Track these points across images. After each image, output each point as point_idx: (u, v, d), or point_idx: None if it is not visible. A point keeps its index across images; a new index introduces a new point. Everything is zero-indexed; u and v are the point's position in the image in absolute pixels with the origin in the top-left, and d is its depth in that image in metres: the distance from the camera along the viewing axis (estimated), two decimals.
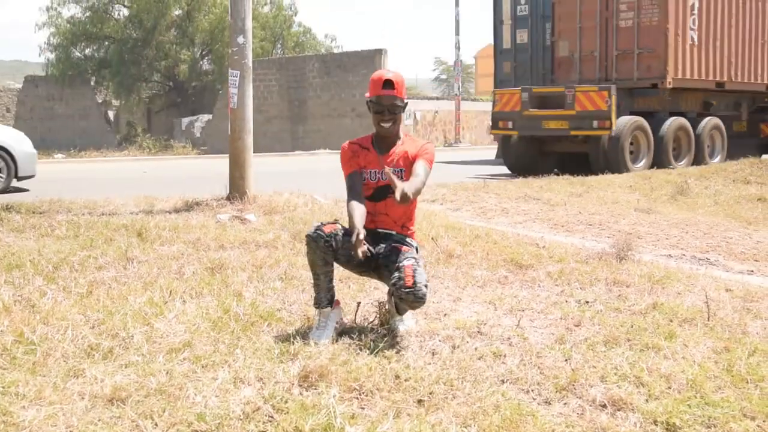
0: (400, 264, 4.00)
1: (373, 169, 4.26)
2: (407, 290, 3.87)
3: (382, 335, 4.03)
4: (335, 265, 4.20)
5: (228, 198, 9.12)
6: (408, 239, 4.28)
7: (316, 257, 4.06)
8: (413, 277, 3.89)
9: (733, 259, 6.73)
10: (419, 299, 3.89)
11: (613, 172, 14.02)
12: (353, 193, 4.20)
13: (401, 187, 3.85)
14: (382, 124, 4.23)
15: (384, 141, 4.31)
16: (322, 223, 4.11)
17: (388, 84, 4.18)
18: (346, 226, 4.11)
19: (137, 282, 5.11)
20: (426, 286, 3.91)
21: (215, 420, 2.94)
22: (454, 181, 12.41)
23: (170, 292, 4.80)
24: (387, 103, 4.19)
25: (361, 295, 4.91)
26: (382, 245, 4.22)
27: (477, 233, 7.20)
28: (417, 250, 4.32)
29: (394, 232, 4.26)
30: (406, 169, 4.24)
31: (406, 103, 4.30)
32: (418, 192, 4.06)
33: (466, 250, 6.32)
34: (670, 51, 15.08)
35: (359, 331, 4.08)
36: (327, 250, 4.03)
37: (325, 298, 4.12)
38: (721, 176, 14.77)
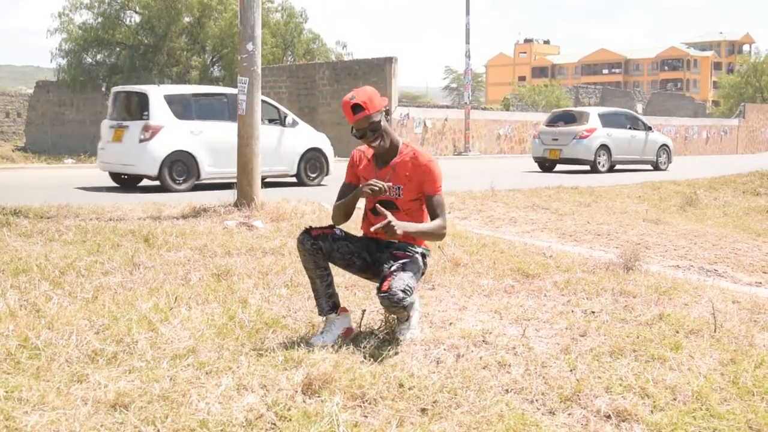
0: (387, 269, 4.04)
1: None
2: (382, 294, 3.91)
3: (387, 343, 4.02)
4: (343, 272, 4.22)
5: (235, 204, 9.13)
6: (411, 247, 4.27)
7: (306, 260, 4.14)
8: (390, 281, 3.92)
9: (742, 271, 6.70)
10: (393, 304, 3.90)
11: None
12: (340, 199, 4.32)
13: (389, 220, 3.92)
14: (372, 145, 4.23)
15: (383, 153, 4.30)
16: (311, 227, 4.18)
17: (357, 108, 4.14)
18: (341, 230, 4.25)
19: (143, 287, 5.11)
20: (404, 291, 3.90)
21: (218, 427, 2.94)
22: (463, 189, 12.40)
23: (176, 298, 4.80)
24: (364, 126, 4.17)
25: (367, 302, 4.90)
26: (385, 253, 4.24)
27: (484, 242, 7.19)
28: (424, 255, 4.31)
29: (395, 241, 4.25)
30: (404, 186, 4.21)
31: (386, 110, 4.27)
32: (421, 233, 4.14)
33: (473, 259, 6.31)
34: None
35: (364, 338, 4.07)
36: (316, 252, 4.10)
37: (326, 304, 4.15)
38: (730, 187, 14.73)
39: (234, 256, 6.31)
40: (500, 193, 11.96)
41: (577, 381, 3.51)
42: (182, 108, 13.63)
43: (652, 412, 3.24)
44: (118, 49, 41.06)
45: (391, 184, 4.19)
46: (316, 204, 9.76)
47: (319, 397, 3.23)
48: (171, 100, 13.57)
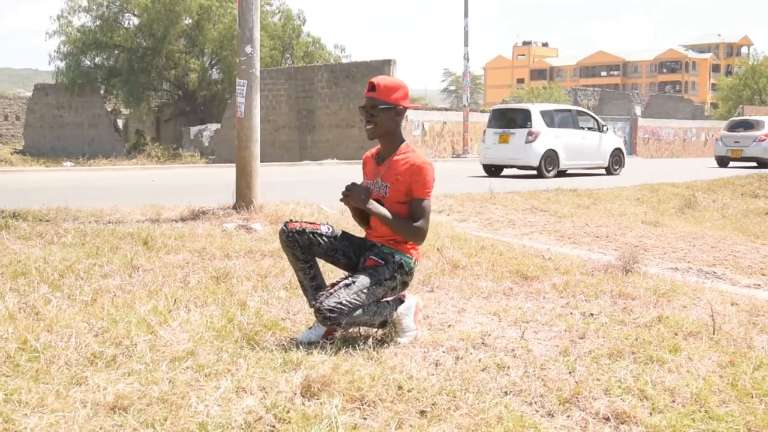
0: (336, 282, 4.11)
1: (370, 180, 4.30)
2: (314, 310, 3.98)
3: (385, 345, 4.02)
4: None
5: (234, 207, 9.12)
6: (390, 254, 4.22)
7: (286, 252, 4.25)
8: (325, 298, 3.95)
9: (740, 273, 6.71)
10: (323, 321, 3.96)
11: None
12: None
13: (360, 189, 4.11)
14: (366, 128, 4.25)
15: (384, 150, 4.30)
16: (291, 220, 4.26)
17: (371, 86, 4.18)
18: (331, 227, 4.33)
19: (142, 290, 5.11)
20: (332, 310, 3.90)
21: (217, 429, 2.93)
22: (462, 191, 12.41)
23: (175, 300, 4.80)
24: (368, 105, 4.18)
25: None
26: (363, 256, 4.28)
27: (483, 244, 7.19)
28: (402, 266, 4.21)
29: (379, 244, 4.25)
30: (391, 185, 4.17)
31: (394, 108, 4.18)
32: (387, 220, 4.11)
33: (472, 261, 6.31)
34: None
35: (362, 340, 4.07)
36: (292, 244, 4.18)
37: (312, 297, 4.19)
38: (729, 190, 14.75)
39: (233, 259, 6.31)
40: (499, 196, 11.96)
41: (575, 383, 3.51)
42: (549, 119, 19.71)
43: (651, 414, 3.24)
44: (116, 51, 41.10)
45: (368, 182, 4.26)
46: (315, 206, 9.76)
47: (318, 399, 3.23)
48: (543, 114, 19.72)
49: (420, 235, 4.16)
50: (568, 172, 20.43)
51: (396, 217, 4.12)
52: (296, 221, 4.24)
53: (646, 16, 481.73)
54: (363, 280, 4.06)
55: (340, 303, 3.93)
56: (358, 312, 3.99)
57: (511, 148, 19.52)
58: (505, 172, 20.73)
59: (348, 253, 4.27)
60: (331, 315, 3.90)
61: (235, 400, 3.21)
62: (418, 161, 4.15)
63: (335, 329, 4.12)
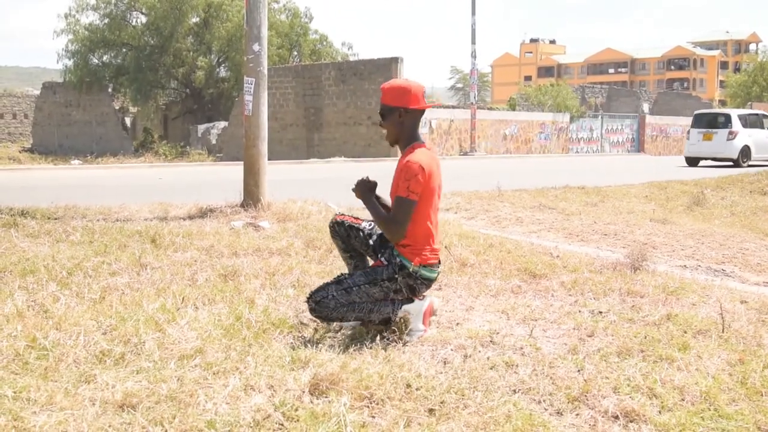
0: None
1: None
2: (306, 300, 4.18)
3: (393, 343, 4.02)
4: None
5: (242, 205, 9.13)
6: (394, 257, 4.24)
7: (333, 241, 4.58)
8: (315, 291, 4.18)
9: (749, 271, 6.67)
10: (311, 312, 4.21)
11: None
12: None
13: (368, 182, 4.34)
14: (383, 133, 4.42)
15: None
16: (339, 213, 4.54)
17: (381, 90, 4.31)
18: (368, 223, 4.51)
19: (150, 288, 5.11)
20: (318, 303, 4.11)
21: (225, 427, 2.94)
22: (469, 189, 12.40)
23: (183, 298, 4.80)
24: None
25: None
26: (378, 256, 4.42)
27: (491, 242, 7.18)
28: (405, 266, 4.21)
29: (390, 245, 4.31)
30: (393, 184, 4.28)
31: (397, 109, 4.22)
32: (372, 212, 4.24)
33: (480, 259, 6.30)
34: None
35: (371, 339, 4.07)
36: (334, 235, 4.50)
37: None
38: (737, 187, 14.69)
39: (241, 257, 6.31)
40: (506, 193, 11.94)
41: (584, 381, 3.50)
42: (744, 121, 24.84)
43: (660, 412, 3.23)
44: (124, 50, 41.15)
45: (368, 177, 4.39)
46: (323, 204, 9.76)
47: (326, 397, 3.23)
48: (740, 117, 25.00)
49: (390, 230, 4.18)
50: (747, 165, 24.40)
51: (379, 212, 4.23)
52: (344, 214, 4.50)
53: (647, 15, 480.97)
54: (355, 278, 4.20)
55: (327, 296, 4.08)
56: (348, 308, 4.11)
57: (713, 144, 24.67)
58: (702, 163, 25.42)
59: (375, 252, 4.42)
60: (316, 307, 4.09)
61: (244, 398, 3.21)
62: (405, 159, 4.21)
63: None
